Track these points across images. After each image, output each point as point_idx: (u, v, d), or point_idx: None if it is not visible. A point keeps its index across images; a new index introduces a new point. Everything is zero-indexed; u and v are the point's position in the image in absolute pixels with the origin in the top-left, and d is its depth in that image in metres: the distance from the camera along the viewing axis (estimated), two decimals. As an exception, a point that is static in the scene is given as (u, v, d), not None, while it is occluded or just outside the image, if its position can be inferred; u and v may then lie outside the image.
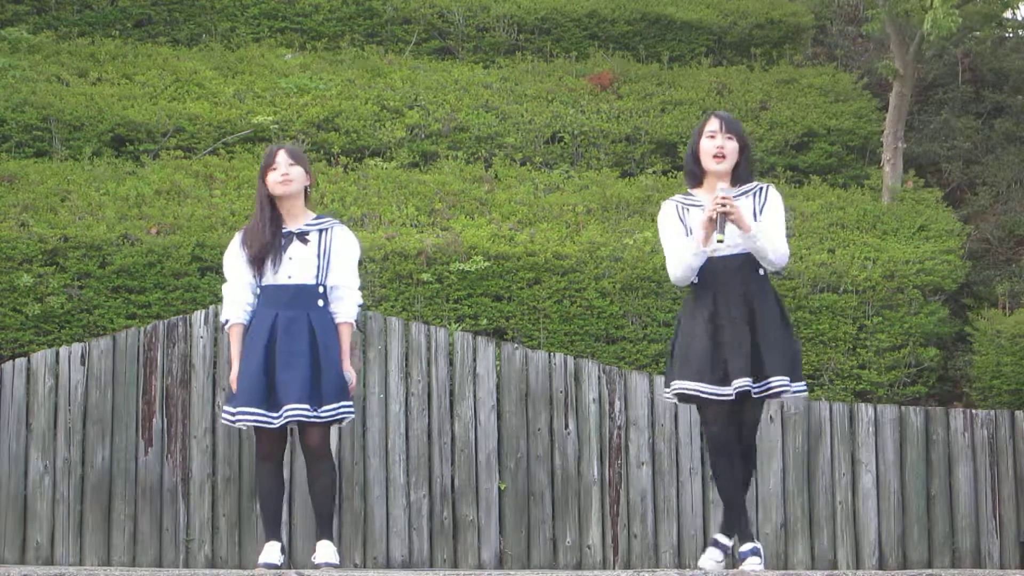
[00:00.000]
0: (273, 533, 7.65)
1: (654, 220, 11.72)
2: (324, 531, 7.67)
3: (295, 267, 7.62)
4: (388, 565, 9.78)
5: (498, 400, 10.03)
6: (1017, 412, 10.43)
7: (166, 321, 9.88)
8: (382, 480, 9.86)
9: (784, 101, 13.94)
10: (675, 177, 12.83)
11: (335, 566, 7.52)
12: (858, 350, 11.08)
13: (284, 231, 7.67)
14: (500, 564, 9.86)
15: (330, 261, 7.66)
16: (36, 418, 9.65)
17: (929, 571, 8.76)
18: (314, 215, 7.80)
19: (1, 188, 11.25)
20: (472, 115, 13.21)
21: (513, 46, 14.70)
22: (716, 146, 7.37)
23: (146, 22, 14.19)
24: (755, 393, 7.29)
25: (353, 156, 12.65)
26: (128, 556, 9.60)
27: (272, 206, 7.70)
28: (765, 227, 7.33)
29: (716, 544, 7.56)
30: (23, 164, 11.78)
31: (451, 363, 10.03)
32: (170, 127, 12.45)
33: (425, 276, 10.74)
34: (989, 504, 10.28)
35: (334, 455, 9.79)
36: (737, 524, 7.53)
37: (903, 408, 10.35)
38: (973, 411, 10.43)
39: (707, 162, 7.39)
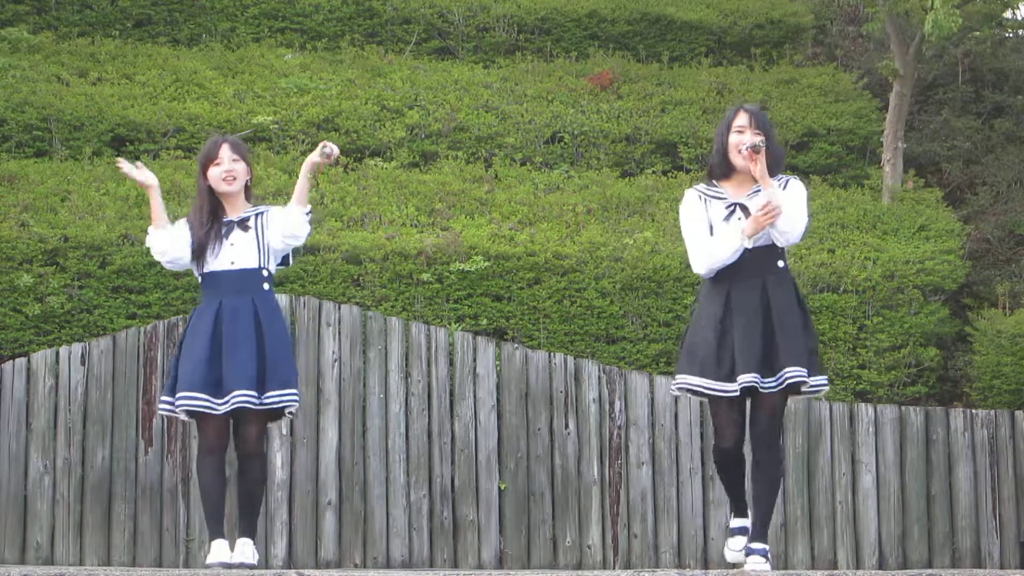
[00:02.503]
0: (218, 531, 7.51)
1: (654, 220, 11.80)
2: (247, 530, 7.48)
3: (237, 252, 7.49)
4: (388, 565, 9.78)
5: (498, 400, 10.03)
6: (1017, 412, 10.44)
7: (166, 321, 9.89)
8: (382, 480, 9.87)
9: (784, 101, 13.94)
10: (675, 177, 12.84)
11: (252, 566, 7.39)
12: (858, 350, 11.08)
13: (225, 220, 7.59)
14: (500, 564, 9.87)
15: (268, 237, 7.57)
16: (36, 418, 9.65)
17: (929, 571, 8.75)
18: (251, 205, 7.71)
19: (1, 188, 11.25)
20: (472, 115, 13.21)
21: (513, 46, 14.70)
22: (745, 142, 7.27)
23: (146, 22, 14.19)
24: (767, 388, 7.11)
25: (353, 156, 12.65)
26: (128, 556, 9.60)
27: (212, 198, 7.59)
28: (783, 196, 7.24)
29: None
30: (23, 164, 11.78)
31: (451, 363, 10.03)
32: (170, 127, 12.45)
33: (425, 276, 10.74)
34: (989, 504, 10.28)
35: (334, 455, 9.80)
36: (744, 508, 7.43)
37: (903, 408, 10.35)
38: (973, 411, 10.43)
39: (736, 158, 7.27)
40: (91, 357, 9.72)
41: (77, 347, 9.77)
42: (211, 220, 7.53)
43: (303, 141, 12.52)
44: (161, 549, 9.64)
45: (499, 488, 9.96)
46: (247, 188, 7.64)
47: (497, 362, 10.05)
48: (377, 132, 12.88)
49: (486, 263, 10.81)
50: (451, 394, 10.01)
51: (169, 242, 7.57)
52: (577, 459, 10.02)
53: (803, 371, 7.09)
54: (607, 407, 10.08)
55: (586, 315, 10.88)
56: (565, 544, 9.97)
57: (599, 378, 10.10)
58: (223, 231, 7.52)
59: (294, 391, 7.49)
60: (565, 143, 13.21)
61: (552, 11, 14.89)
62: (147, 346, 9.77)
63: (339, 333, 9.91)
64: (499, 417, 10.02)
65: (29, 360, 9.73)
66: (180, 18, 14.25)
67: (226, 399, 7.36)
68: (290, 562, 9.68)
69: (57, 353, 9.75)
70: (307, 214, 7.51)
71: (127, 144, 12.39)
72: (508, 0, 14.87)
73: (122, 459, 9.66)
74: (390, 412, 9.94)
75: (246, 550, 7.41)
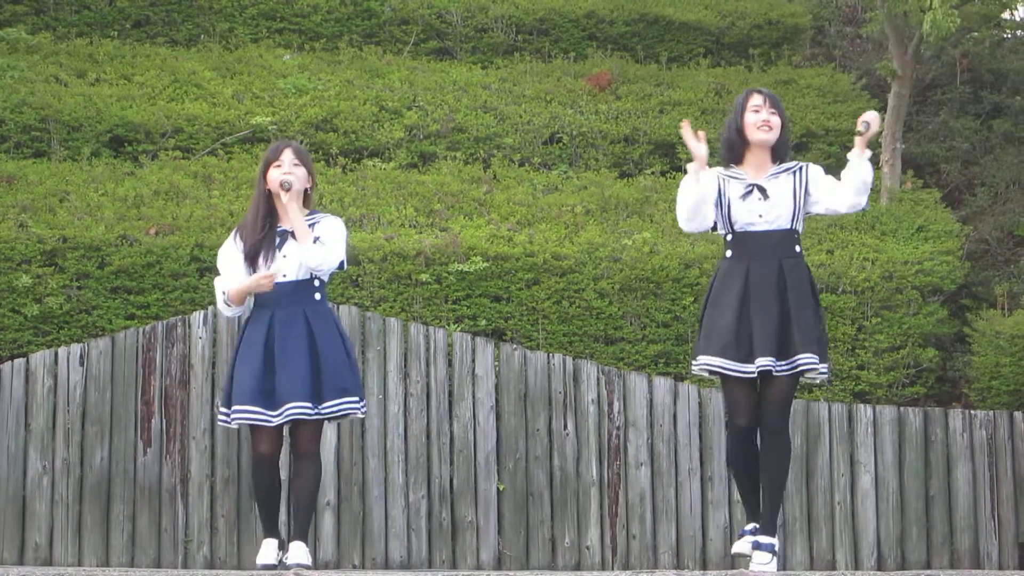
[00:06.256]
0: (272, 530, 7.62)
1: (653, 220, 11.80)
2: (300, 532, 7.55)
3: (290, 264, 7.54)
4: (387, 566, 9.78)
5: (497, 401, 10.03)
6: (1016, 413, 10.44)
7: (165, 322, 9.88)
8: (381, 481, 9.87)
9: (782, 102, 13.91)
10: (673, 178, 12.83)
11: (307, 567, 7.46)
12: (857, 351, 11.08)
13: (279, 229, 7.61)
14: (499, 565, 9.86)
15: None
16: (35, 418, 9.65)
17: (928, 572, 8.77)
18: (307, 212, 7.73)
19: (0, 188, 11.25)
20: (470, 116, 13.21)
21: (511, 47, 14.70)
22: (762, 119, 7.38)
23: (144, 23, 14.19)
24: (779, 371, 7.22)
25: (351, 157, 12.64)
26: (127, 557, 9.60)
27: (268, 203, 7.63)
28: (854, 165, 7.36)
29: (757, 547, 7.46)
30: (22, 165, 11.77)
31: (450, 364, 10.04)
32: (168, 128, 12.44)
33: (424, 277, 10.74)
34: (988, 505, 10.28)
35: (333, 455, 9.80)
36: (758, 513, 7.46)
37: (902, 409, 10.36)
38: (972, 412, 10.44)
39: (754, 133, 7.37)
40: (90, 358, 9.72)
41: (76, 348, 9.77)
42: (266, 225, 7.55)
43: (302, 142, 12.51)
44: (160, 550, 9.63)
45: (498, 489, 9.96)
46: (306, 196, 7.66)
47: (496, 363, 10.06)
48: (375, 133, 12.87)
49: (485, 264, 10.80)
50: (450, 395, 10.01)
51: (240, 296, 7.56)
52: (576, 460, 10.03)
53: (815, 358, 7.24)
54: (606, 408, 10.08)
55: (585, 316, 10.88)
56: (564, 545, 9.97)
57: (598, 379, 10.10)
58: (277, 241, 7.53)
59: (354, 398, 7.54)
60: (563, 144, 13.21)
61: (550, 12, 14.89)
62: (146, 347, 9.77)
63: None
64: (498, 418, 10.02)
65: (28, 361, 9.72)
66: (178, 19, 14.24)
67: (280, 411, 7.41)
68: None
69: (56, 354, 9.75)
70: (315, 240, 7.52)
71: (125, 145, 12.39)
72: (506, 1, 14.87)
73: (121, 460, 9.66)
74: (389, 413, 9.94)
75: (300, 552, 7.49)
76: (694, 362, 7.44)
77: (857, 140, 7.36)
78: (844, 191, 7.40)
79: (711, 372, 7.37)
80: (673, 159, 13.22)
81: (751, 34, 15.12)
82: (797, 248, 7.36)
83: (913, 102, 14.25)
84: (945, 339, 11.54)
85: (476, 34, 14.72)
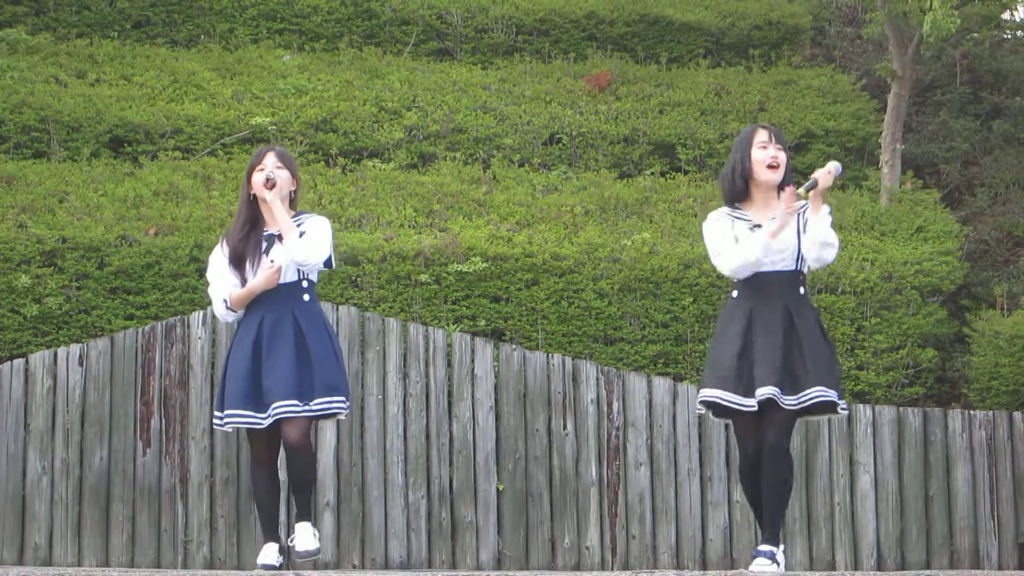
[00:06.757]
0: (271, 534, 7.62)
1: (652, 221, 11.80)
2: (303, 512, 7.55)
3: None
4: (386, 566, 9.78)
5: (496, 401, 10.03)
6: (1015, 413, 10.44)
7: (164, 322, 9.89)
8: (380, 481, 9.87)
9: (782, 102, 13.94)
10: (673, 178, 12.84)
11: (315, 553, 7.46)
12: (856, 351, 11.08)
13: (266, 233, 7.60)
14: (498, 565, 9.86)
15: None
16: (34, 419, 9.65)
17: (927, 572, 8.76)
18: (294, 214, 7.71)
19: (0, 189, 11.26)
20: (470, 116, 13.21)
21: (511, 47, 14.70)
22: (770, 156, 7.30)
23: (144, 23, 14.19)
24: (791, 404, 7.17)
25: (351, 157, 12.64)
26: (127, 557, 9.60)
27: (253, 207, 7.62)
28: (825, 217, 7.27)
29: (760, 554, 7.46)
30: (21, 165, 11.78)
31: (449, 364, 10.03)
32: (168, 128, 12.44)
33: (423, 277, 10.74)
34: (987, 505, 10.28)
35: (332, 455, 9.80)
36: (766, 525, 7.47)
37: (901, 409, 10.35)
38: (971, 412, 10.43)
39: (762, 172, 7.28)
40: (89, 358, 9.72)
41: (75, 348, 9.77)
42: (248, 228, 7.54)
43: (301, 142, 12.52)
44: (159, 550, 9.64)
45: (497, 489, 9.96)
46: (293, 201, 7.65)
47: (495, 363, 10.06)
48: (375, 133, 12.88)
49: (484, 264, 10.81)
50: (449, 395, 10.01)
51: (247, 299, 7.56)
52: (575, 460, 10.02)
53: (829, 392, 7.20)
54: (605, 408, 10.08)
55: (584, 316, 10.88)
56: (563, 545, 9.97)
57: (597, 379, 10.10)
58: (263, 245, 7.53)
59: (342, 398, 7.54)
60: (563, 144, 13.21)
61: (551, 12, 14.89)
62: (145, 347, 9.77)
63: (337, 334, 9.90)
64: (497, 418, 10.02)
65: (27, 361, 9.73)
66: (178, 19, 14.24)
67: (268, 413, 7.40)
68: (288, 562, 9.67)
69: (55, 354, 9.75)
70: (300, 236, 7.51)
71: (125, 145, 12.39)
72: (507, 1, 14.87)
73: (120, 460, 9.67)
74: (388, 413, 9.94)
75: (306, 535, 7.50)
76: (698, 397, 7.42)
77: (809, 197, 7.24)
78: (805, 248, 7.30)
79: (714, 406, 7.32)
80: (673, 159, 13.22)
81: (751, 35, 15.12)
82: (802, 290, 7.31)
83: (913, 103, 14.24)
84: (944, 339, 11.53)
85: (476, 35, 14.72)
